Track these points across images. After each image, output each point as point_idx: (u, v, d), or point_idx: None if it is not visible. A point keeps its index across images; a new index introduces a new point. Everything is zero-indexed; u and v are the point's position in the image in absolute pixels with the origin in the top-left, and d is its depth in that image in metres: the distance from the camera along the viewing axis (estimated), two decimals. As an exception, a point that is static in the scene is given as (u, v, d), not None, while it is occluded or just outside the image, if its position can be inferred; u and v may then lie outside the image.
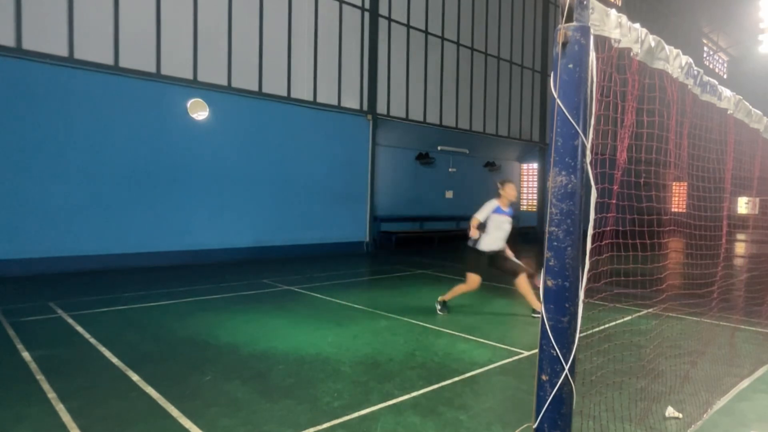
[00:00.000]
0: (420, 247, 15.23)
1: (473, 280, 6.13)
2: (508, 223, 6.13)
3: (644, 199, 3.75)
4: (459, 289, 6.32)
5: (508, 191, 6.06)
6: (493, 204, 6.06)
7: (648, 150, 3.18)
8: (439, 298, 6.46)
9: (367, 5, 13.82)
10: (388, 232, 15.17)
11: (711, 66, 36.40)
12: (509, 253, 6.27)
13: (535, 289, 5.82)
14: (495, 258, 6.17)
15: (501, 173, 20.30)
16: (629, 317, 6.23)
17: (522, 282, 6.08)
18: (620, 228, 2.82)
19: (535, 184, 21.25)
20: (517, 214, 6.04)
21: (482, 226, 5.98)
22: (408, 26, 15.04)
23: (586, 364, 3.34)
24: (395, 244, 15.17)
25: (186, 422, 3.16)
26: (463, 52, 16.96)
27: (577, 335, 1.97)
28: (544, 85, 20.40)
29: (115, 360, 4.33)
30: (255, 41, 11.59)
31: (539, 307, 5.22)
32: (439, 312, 6.35)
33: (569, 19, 1.92)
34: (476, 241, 6.05)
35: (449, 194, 17.85)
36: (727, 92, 3.50)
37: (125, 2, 9.63)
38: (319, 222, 12.81)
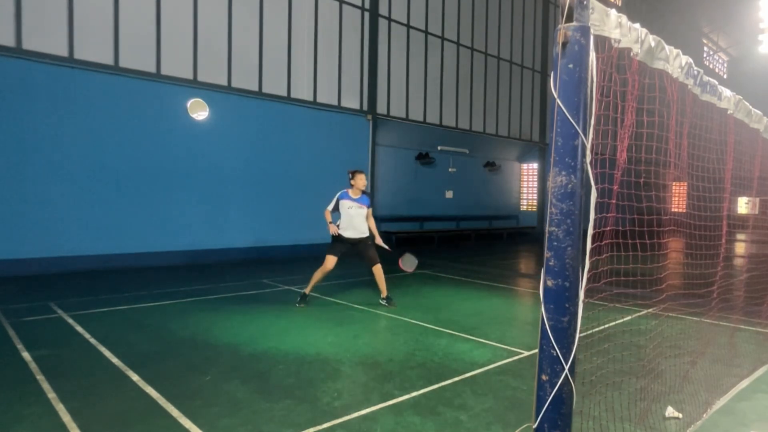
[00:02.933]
0: (420, 247, 15.23)
1: (327, 261, 6.50)
2: (356, 209, 6.54)
3: (644, 199, 3.75)
4: (315, 275, 6.58)
5: (358, 180, 6.57)
6: (341, 191, 6.63)
7: (648, 150, 3.18)
8: (302, 292, 6.75)
9: (367, 5, 13.82)
10: (388, 232, 15.16)
11: (711, 66, 36.39)
12: (378, 240, 6.69)
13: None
14: (357, 245, 6.62)
15: (501, 173, 20.31)
16: (629, 317, 6.23)
17: (378, 270, 6.61)
18: (620, 228, 2.82)
19: (535, 184, 21.24)
20: (372, 203, 6.79)
21: (335, 213, 6.58)
22: (408, 26, 15.04)
23: (586, 364, 3.34)
24: (395, 244, 15.16)
25: (186, 422, 3.16)
26: (463, 52, 16.96)
27: (577, 335, 1.97)
28: (544, 85, 20.40)
29: (115, 360, 4.33)
30: (255, 41, 11.59)
31: (384, 293, 6.14)
32: (297, 305, 6.54)
33: (569, 19, 1.92)
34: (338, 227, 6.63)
35: (449, 194, 17.86)
36: (727, 92, 3.50)
37: (125, 2, 9.62)
38: (319, 222, 12.72)
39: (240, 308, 6.44)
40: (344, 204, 6.52)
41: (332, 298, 7.18)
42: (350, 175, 6.63)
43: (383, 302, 6.65)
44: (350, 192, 6.58)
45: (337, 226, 6.56)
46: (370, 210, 6.73)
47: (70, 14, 9.00)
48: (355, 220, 6.54)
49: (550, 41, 20.04)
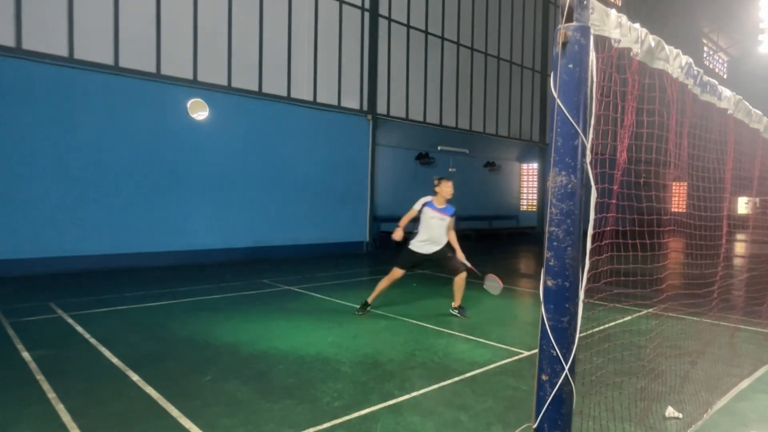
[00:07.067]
0: (420, 247, 15.21)
1: (394, 272, 6.03)
2: (438, 220, 5.91)
3: (644, 199, 3.75)
4: (380, 285, 6.12)
5: (444, 188, 5.93)
6: (425, 198, 5.97)
7: (648, 150, 3.17)
8: (366, 300, 6.27)
9: (367, 5, 13.82)
10: (388, 232, 15.12)
11: (711, 66, 36.38)
12: (460, 255, 5.99)
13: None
14: (432, 257, 6.05)
15: (501, 173, 20.32)
16: (629, 317, 6.23)
17: (460, 279, 6.02)
18: (620, 228, 2.82)
19: (535, 184, 21.25)
20: (456, 214, 6.14)
21: (415, 220, 5.96)
22: (408, 26, 15.04)
23: (586, 364, 3.33)
24: (395, 244, 15.15)
25: (186, 422, 3.16)
26: (463, 52, 16.96)
27: (577, 335, 1.97)
28: (544, 85, 20.40)
29: (115, 360, 4.33)
30: (255, 41, 11.59)
31: (457, 302, 5.60)
32: (357, 313, 6.13)
33: (569, 19, 1.92)
34: (410, 240, 6.05)
35: (449, 194, 17.85)
36: (727, 92, 3.50)
37: (125, 2, 9.62)
38: (319, 222, 12.80)
39: (240, 308, 6.44)
40: (427, 213, 5.88)
41: (332, 298, 7.18)
42: (436, 182, 5.98)
43: (454, 312, 6.15)
44: (435, 201, 5.93)
45: (411, 234, 5.98)
46: (453, 220, 6.04)
47: (70, 14, 9.00)
48: (434, 231, 5.92)
49: (550, 41, 20.03)
